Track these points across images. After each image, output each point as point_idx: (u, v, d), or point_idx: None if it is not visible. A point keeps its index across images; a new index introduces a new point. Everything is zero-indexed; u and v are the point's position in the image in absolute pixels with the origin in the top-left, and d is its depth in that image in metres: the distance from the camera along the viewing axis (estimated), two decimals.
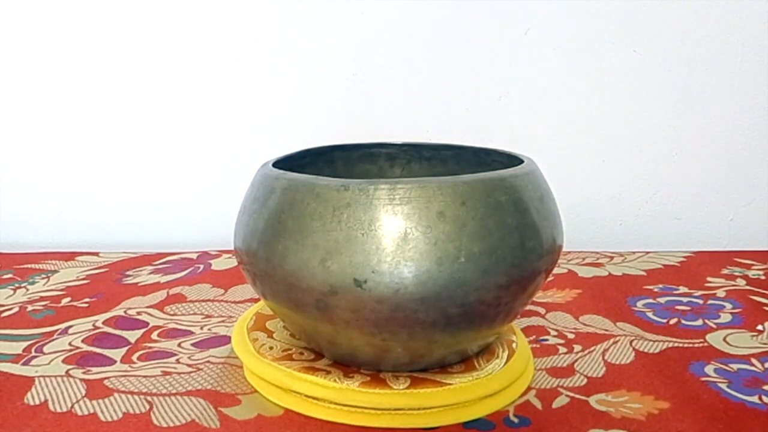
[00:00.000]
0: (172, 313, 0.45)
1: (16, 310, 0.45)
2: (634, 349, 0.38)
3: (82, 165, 0.65)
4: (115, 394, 0.33)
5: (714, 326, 0.42)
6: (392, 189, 0.27)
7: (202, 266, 0.55)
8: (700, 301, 0.46)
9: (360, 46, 0.62)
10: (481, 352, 0.34)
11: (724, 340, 0.40)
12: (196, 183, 0.65)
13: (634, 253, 0.59)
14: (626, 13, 0.61)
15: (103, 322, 0.43)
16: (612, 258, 0.57)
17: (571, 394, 0.33)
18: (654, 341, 0.39)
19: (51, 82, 0.63)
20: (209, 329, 0.42)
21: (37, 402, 0.32)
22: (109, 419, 0.31)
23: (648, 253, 0.59)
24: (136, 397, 0.33)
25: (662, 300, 0.47)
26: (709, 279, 0.51)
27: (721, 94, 0.63)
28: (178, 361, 0.37)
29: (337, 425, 0.30)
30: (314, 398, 0.31)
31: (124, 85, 0.63)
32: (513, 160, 0.35)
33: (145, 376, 0.35)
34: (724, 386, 0.34)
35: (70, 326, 0.42)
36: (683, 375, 0.35)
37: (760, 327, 0.42)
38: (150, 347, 0.39)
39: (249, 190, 0.33)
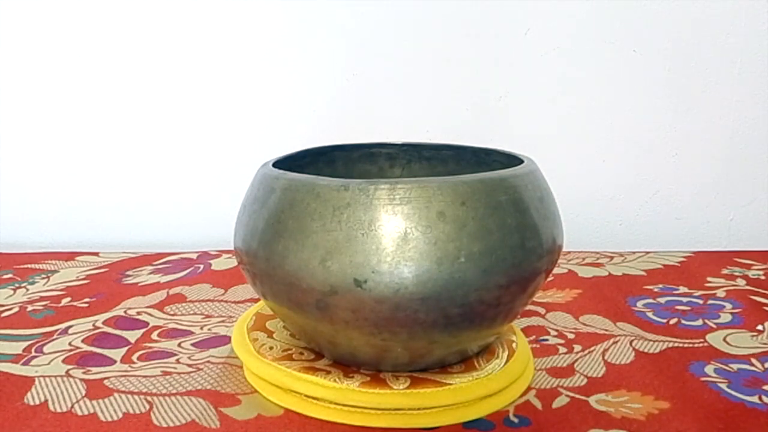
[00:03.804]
0: (172, 313, 0.45)
1: (16, 310, 0.45)
2: (634, 349, 0.38)
3: (81, 165, 0.65)
4: (115, 394, 0.33)
5: (714, 326, 0.42)
6: (392, 189, 0.27)
7: (202, 266, 0.55)
8: (700, 301, 0.46)
9: (360, 46, 0.62)
10: (481, 352, 0.34)
11: (724, 340, 0.40)
12: (196, 183, 0.65)
13: (634, 253, 0.59)
14: (626, 13, 0.61)
15: (103, 322, 0.43)
16: (612, 258, 0.57)
17: (571, 394, 0.33)
18: (654, 341, 0.39)
19: (51, 83, 0.63)
20: (209, 329, 0.42)
21: (37, 402, 0.32)
22: (109, 419, 0.31)
23: (648, 253, 0.59)
24: (136, 397, 0.33)
25: (662, 300, 0.47)
26: (709, 279, 0.51)
27: (721, 94, 0.63)
28: (178, 361, 0.37)
29: (337, 425, 0.30)
30: (314, 398, 0.31)
31: (123, 86, 0.63)
32: (513, 160, 0.35)
33: (145, 376, 0.35)
34: (724, 386, 0.34)
35: (70, 326, 0.42)
36: (683, 375, 0.35)
37: (760, 327, 0.42)
38: (150, 347, 0.39)
39: (249, 190, 0.33)
